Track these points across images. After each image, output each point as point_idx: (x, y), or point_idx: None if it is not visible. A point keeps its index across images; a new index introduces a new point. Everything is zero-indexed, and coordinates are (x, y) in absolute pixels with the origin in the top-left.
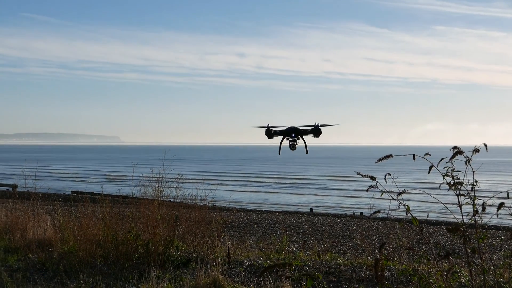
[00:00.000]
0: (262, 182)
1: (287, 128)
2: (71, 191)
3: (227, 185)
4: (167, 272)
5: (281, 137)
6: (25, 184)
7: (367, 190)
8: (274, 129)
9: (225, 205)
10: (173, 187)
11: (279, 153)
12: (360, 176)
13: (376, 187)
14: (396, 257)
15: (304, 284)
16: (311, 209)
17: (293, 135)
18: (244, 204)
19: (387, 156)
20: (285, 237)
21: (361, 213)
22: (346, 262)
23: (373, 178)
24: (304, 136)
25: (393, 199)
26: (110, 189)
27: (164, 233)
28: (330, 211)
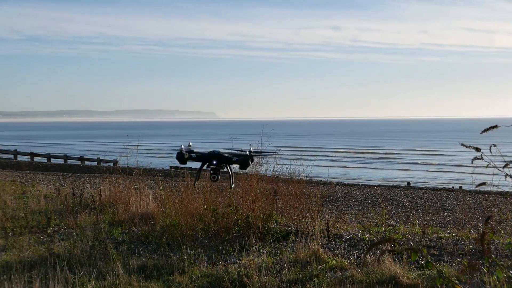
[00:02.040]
0: (354, 157)
1: (207, 153)
2: (170, 166)
3: (315, 159)
4: (267, 245)
5: (200, 163)
6: (127, 160)
7: (472, 162)
8: (192, 152)
9: (321, 179)
10: (271, 163)
11: (194, 184)
12: (464, 147)
13: (481, 158)
14: (501, 231)
15: (405, 257)
16: (408, 183)
17: (214, 162)
18: (339, 179)
19: (492, 127)
20: (384, 211)
21: (461, 187)
22: (448, 235)
23: (478, 149)
24: (229, 165)
25: (500, 172)
26: None
27: (263, 206)
28: (427, 185)
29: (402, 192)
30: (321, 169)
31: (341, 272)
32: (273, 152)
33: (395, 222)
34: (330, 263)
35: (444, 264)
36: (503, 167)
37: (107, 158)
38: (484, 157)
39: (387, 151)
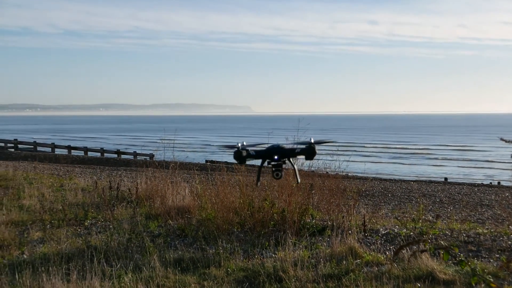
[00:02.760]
0: (387, 152)
1: (267, 148)
2: (205, 160)
3: (350, 155)
4: (302, 240)
5: (260, 161)
6: (163, 154)
7: (511, 157)
8: (249, 149)
9: (356, 174)
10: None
11: (257, 184)
12: (504, 141)
13: None
14: None
15: (442, 253)
16: (445, 178)
17: (276, 157)
18: (374, 174)
19: None
20: (421, 206)
21: (499, 182)
22: (486, 231)
23: None
24: (292, 159)
25: None
26: None
27: (299, 201)
28: (463, 181)
29: (439, 188)
30: (356, 164)
31: (377, 267)
32: (332, 141)
33: (432, 217)
34: (366, 258)
35: (482, 260)
36: None
37: (142, 152)
38: None
39: (420, 147)
